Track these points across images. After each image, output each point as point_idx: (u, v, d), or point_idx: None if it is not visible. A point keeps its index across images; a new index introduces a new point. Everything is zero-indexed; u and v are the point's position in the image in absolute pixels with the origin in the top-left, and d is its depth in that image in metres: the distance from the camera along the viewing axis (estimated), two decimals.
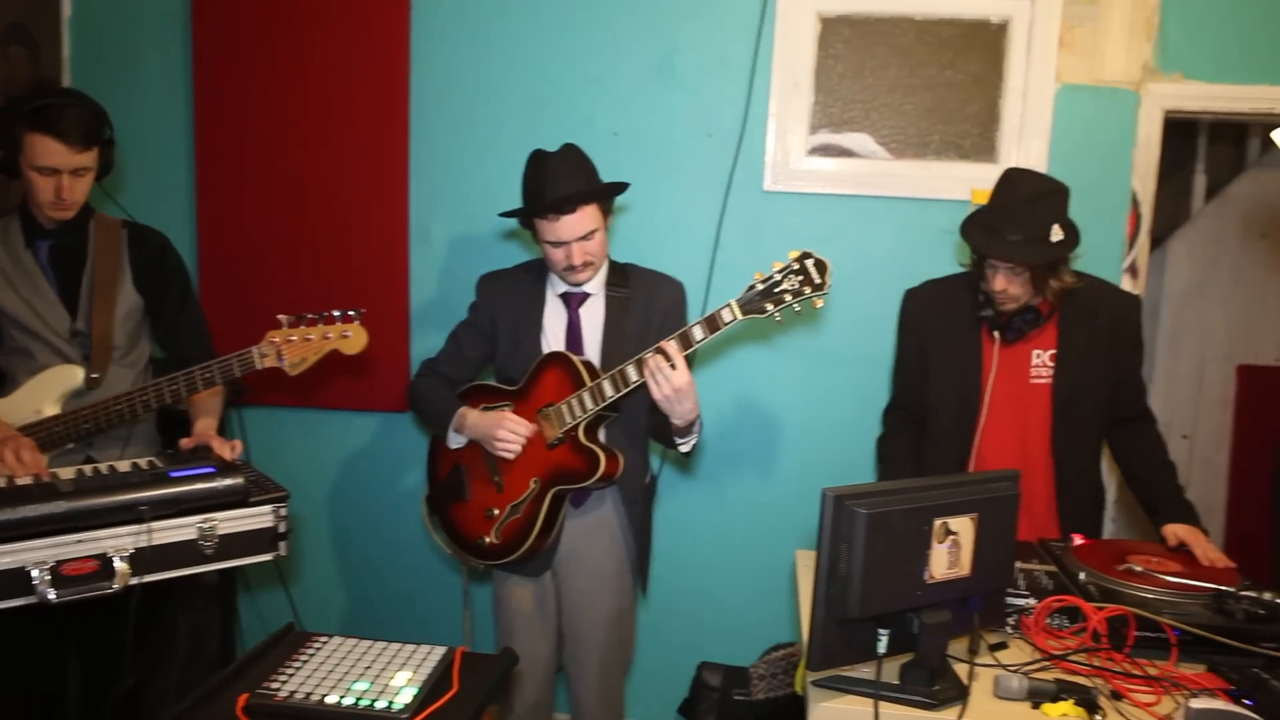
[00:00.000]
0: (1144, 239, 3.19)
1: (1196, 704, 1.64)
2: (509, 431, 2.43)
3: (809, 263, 2.21)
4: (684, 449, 2.50)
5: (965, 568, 1.81)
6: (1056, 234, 2.40)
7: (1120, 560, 2.26)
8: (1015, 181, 2.46)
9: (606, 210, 2.47)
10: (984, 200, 3.06)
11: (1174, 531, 2.40)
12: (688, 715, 3.39)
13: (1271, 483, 3.85)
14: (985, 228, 2.46)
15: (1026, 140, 3.11)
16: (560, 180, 2.36)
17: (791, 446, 3.33)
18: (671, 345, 2.28)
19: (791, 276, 2.21)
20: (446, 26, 3.26)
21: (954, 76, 3.17)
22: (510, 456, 2.45)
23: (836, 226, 3.20)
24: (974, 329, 2.59)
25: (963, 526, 1.78)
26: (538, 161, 2.42)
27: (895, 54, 3.17)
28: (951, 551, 1.78)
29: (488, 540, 2.52)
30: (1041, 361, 2.55)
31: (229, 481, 2.04)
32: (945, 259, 3.18)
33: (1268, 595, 2.05)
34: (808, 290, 2.21)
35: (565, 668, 2.68)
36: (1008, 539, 1.89)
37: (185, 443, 2.31)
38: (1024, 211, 2.38)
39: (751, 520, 3.35)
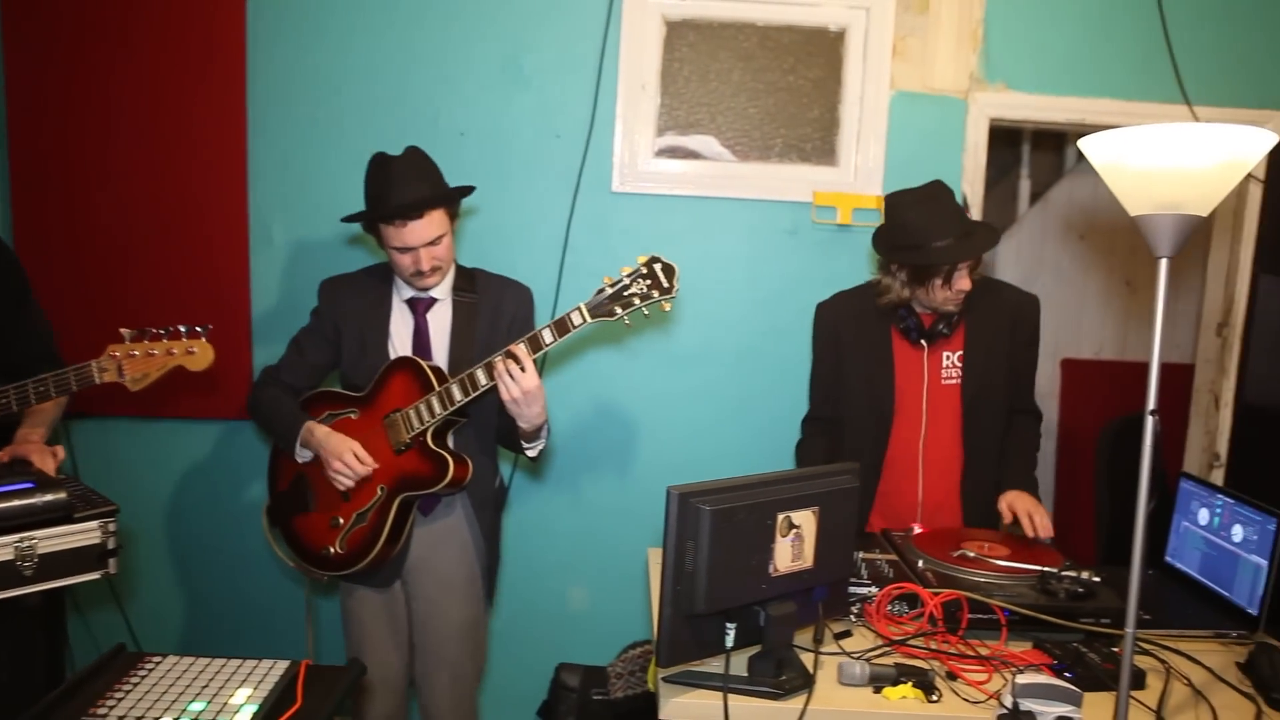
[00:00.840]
0: None
1: (1022, 679, 1.73)
2: (346, 467, 2.36)
3: (657, 267, 2.23)
4: (531, 454, 2.49)
5: (809, 560, 1.86)
6: (974, 211, 2.54)
7: (956, 547, 2.36)
8: (921, 196, 2.54)
9: (453, 214, 2.44)
10: (827, 201, 3.20)
11: (1006, 499, 2.52)
12: (546, 717, 3.38)
13: (1095, 468, 4.09)
14: (918, 247, 2.50)
15: (865, 144, 3.23)
16: (406, 185, 2.32)
17: (645, 447, 3.35)
18: (521, 349, 2.26)
19: (640, 280, 2.23)
20: (285, 21, 3.15)
21: (796, 81, 3.26)
22: (341, 488, 2.40)
23: (684, 227, 3.24)
24: (885, 336, 2.67)
25: (805, 520, 1.83)
26: (381, 166, 2.36)
27: (739, 59, 3.24)
28: (795, 544, 1.83)
29: (333, 550, 2.44)
30: (951, 363, 2.66)
31: (49, 497, 1.92)
32: (790, 259, 3.26)
33: (1086, 574, 2.18)
34: (656, 294, 2.23)
35: (416, 679, 2.62)
36: (848, 530, 1.94)
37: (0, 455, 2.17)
38: (954, 214, 2.51)
39: (607, 521, 3.37)
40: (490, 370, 2.27)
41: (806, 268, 3.25)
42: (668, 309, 2.25)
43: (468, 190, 2.46)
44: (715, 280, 3.27)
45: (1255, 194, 3.14)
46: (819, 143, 3.28)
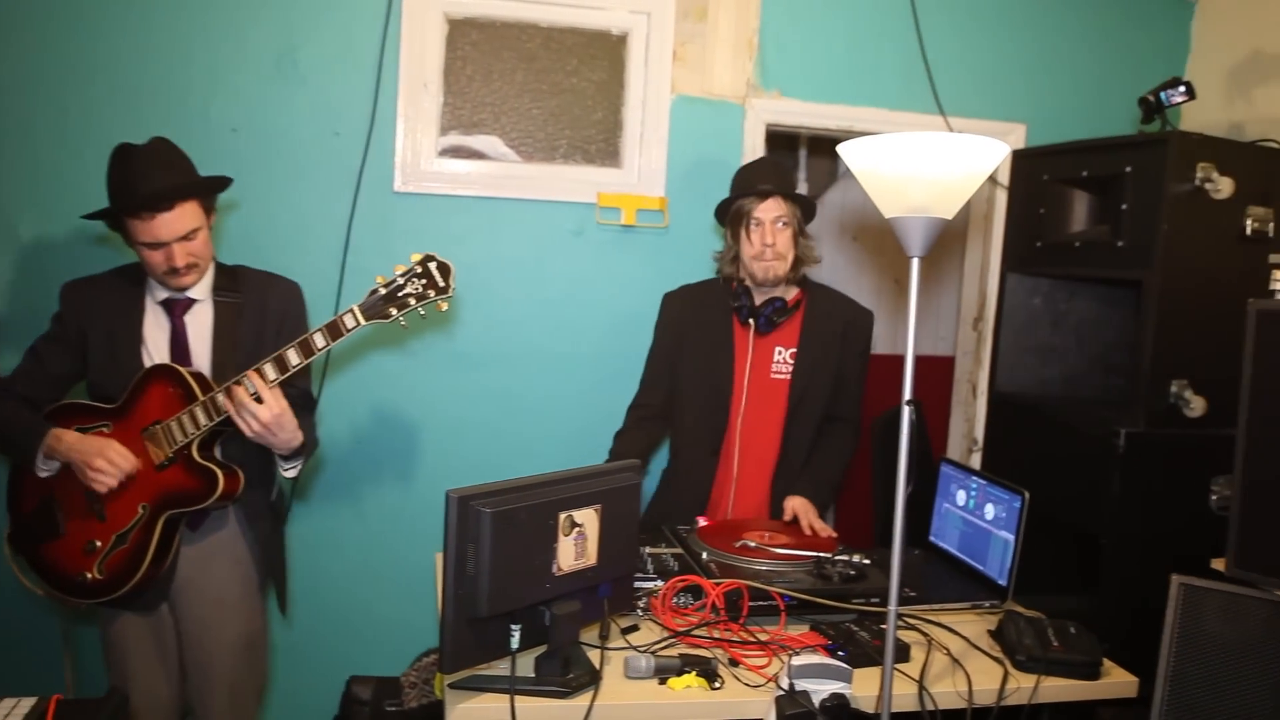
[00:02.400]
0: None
1: (796, 661, 1.80)
2: (108, 463, 2.18)
3: (432, 266, 2.19)
4: (290, 474, 2.38)
5: (592, 557, 1.88)
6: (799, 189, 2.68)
7: (738, 538, 2.44)
8: (767, 159, 2.87)
9: (209, 208, 2.31)
10: (612, 202, 3.24)
11: (789, 503, 2.65)
12: None
13: (871, 454, 4.31)
14: (746, 186, 2.70)
15: (647, 147, 3.29)
16: (151, 175, 2.17)
17: (431, 451, 3.29)
18: (256, 378, 2.16)
19: (414, 280, 2.18)
20: (34, 2, 2.91)
21: (579, 83, 3.28)
22: (102, 490, 2.22)
23: (469, 228, 3.21)
24: (727, 325, 2.76)
25: (587, 518, 1.85)
26: (124, 157, 2.21)
27: (522, 59, 3.23)
28: (578, 543, 1.84)
29: (90, 576, 2.26)
30: (783, 359, 2.75)
31: None
32: (575, 260, 3.28)
33: (858, 558, 2.30)
34: (431, 293, 2.19)
35: (191, 702, 2.47)
36: (630, 527, 1.97)
37: None
38: (774, 170, 2.75)
39: (394, 528, 3.28)
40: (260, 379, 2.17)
41: (592, 268, 3.28)
42: (445, 309, 2.22)
43: (223, 181, 2.33)
44: (501, 281, 3.25)
45: (1002, 199, 3.40)
46: (603, 144, 3.31)
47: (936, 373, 4.23)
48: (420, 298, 2.19)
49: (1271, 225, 2.65)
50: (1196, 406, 2.61)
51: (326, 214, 3.12)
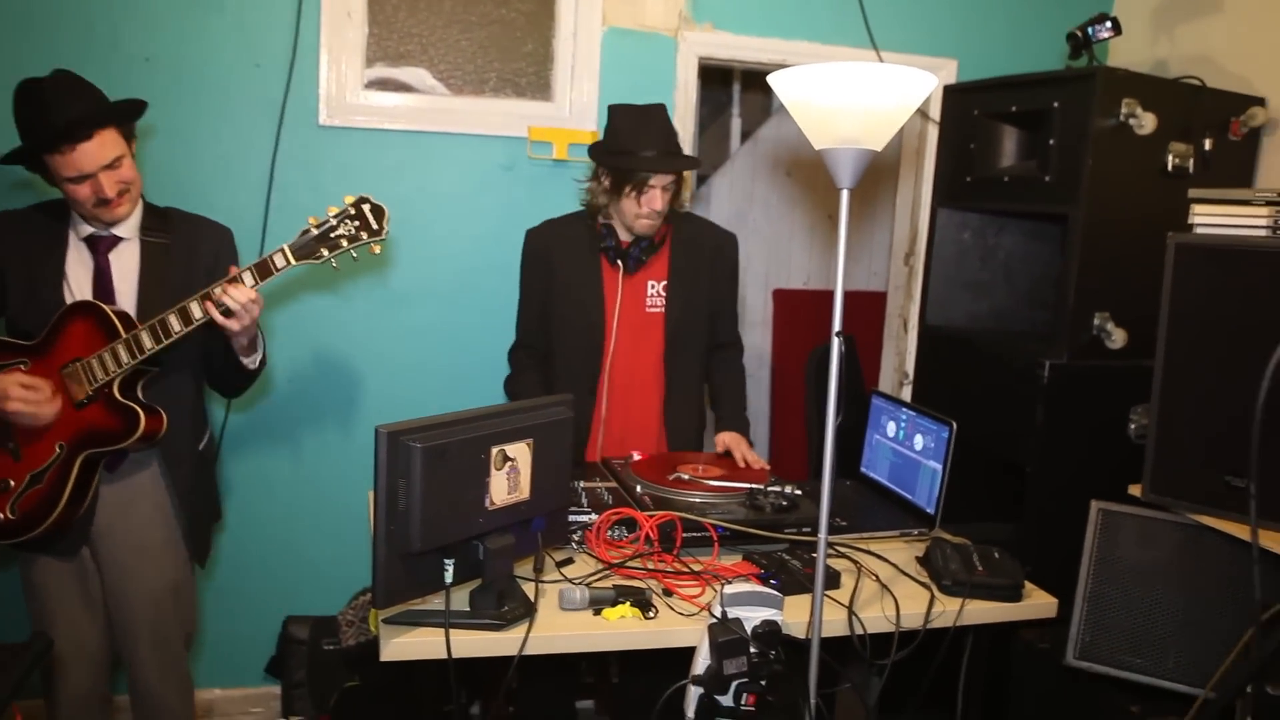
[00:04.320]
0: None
1: (729, 590, 1.83)
2: (23, 397, 2.12)
3: (366, 208, 2.14)
4: (252, 366, 2.33)
5: (525, 491, 1.88)
6: (682, 145, 2.68)
7: (672, 470, 2.46)
8: (636, 109, 2.65)
9: (128, 135, 2.22)
10: (543, 137, 3.19)
11: (721, 439, 2.67)
12: (276, 673, 3.26)
13: (805, 390, 4.37)
14: (628, 152, 2.58)
15: (579, 80, 3.23)
16: (62, 106, 2.08)
17: (364, 391, 3.25)
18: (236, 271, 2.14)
19: (347, 222, 2.14)
20: None
21: (509, 14, 3.21)
22: (33, 422, 2.16)
23: (398, 163, 3.14)
24: (595, 263, 2.71)
25: (519, 452, 1.85)
26: (30, 92, 2.11)
27: None
28: (511, 477, 1.84)
29: (2, 516, 2.20)
30: (656, 291, 2.74)
31: None
32: (507, 195, 3.24)
33: (789, 488, 2.34)
34: (365, 236, 2.15)
35: (118, 649, 2.43)
36: (563, 460, 1.98)
37: None
38: (659, 130, 2.60)
39: (329, 468, 3.25)
40: (184, 315, 2.11)
41: (524, 203, 3.23)
42: (378, 251, 2.18)
43: (138, 105, 2.24)
44: (432, 217, 3.20)
45: (933, 134, 3.42)
46: (534, 77, 3.26)
47: (870, 307, 4.28)
48: (353, 240, 2.15)
49: (1192, 161, 2.71)
50: (1118, 338, 2.68)
51: (249, 149, 3.03)
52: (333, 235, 2.14)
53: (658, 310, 2.74)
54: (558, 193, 3.25)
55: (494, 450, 1.79)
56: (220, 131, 3.01)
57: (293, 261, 2.14)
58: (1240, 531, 2.13)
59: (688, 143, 3.35)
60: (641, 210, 2.59)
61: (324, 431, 3.25)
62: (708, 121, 5.01)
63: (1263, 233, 2.15)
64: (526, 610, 1.87)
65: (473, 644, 1.82)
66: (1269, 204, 2.15)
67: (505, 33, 3.21)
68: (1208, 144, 2.75)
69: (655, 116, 2.63)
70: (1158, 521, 2.31)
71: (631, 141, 2.58)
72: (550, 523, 2.01)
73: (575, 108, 3.25)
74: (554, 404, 1.98)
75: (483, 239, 3.25)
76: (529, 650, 1.83)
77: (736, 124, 4.98)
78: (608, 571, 2.07)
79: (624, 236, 2.69)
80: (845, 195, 1.76)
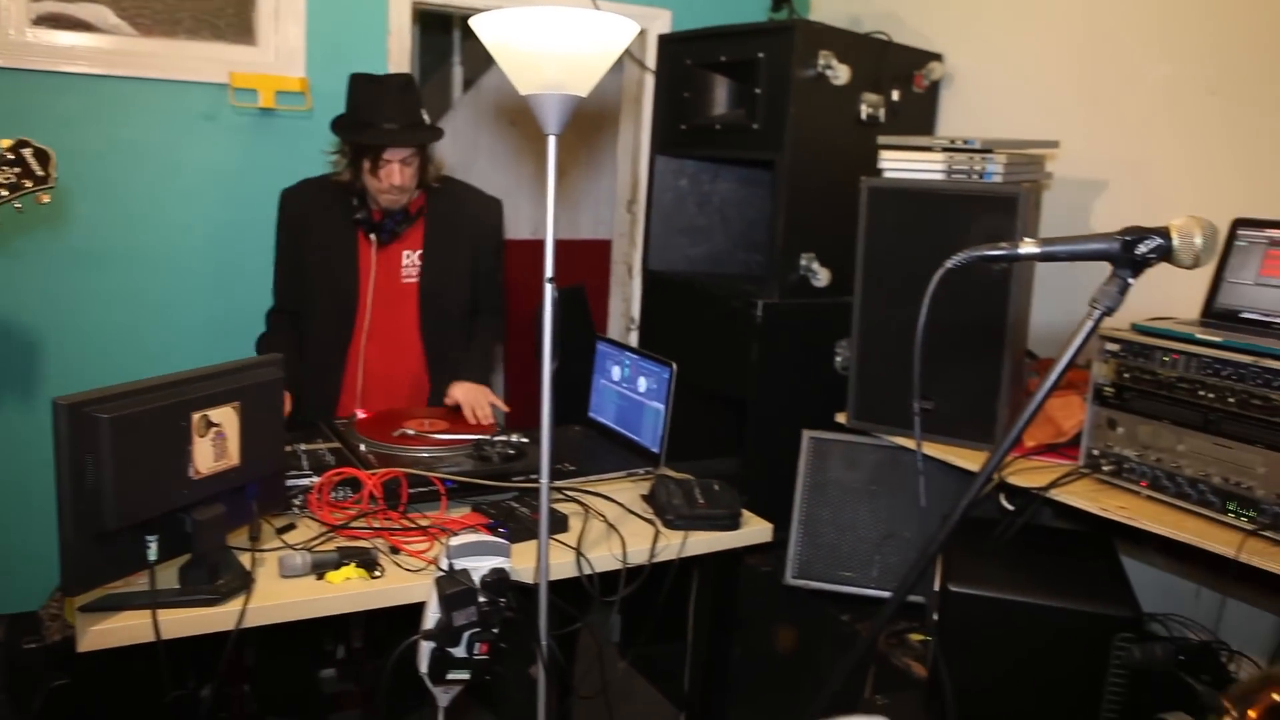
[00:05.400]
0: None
1: (454, 542, 1.82)
2: None
3: (26, 152, 1.94)
4: None
5: (234, 458, 1.78)
6: (426, 117, 2.58)
7: (397, 427, 2.41)
8: (375, 79, 2.57)
9: None
10: (246, 83, 2.99)
11: (452, 391, 2.65)
12: None
13: (534, 338, 4.39)
14: (365, 125, 2.51)
15: (283, 22, 3.05)
16: None
17: (51, 362, 2.95)
18: None
19: (5, 169, 1.93)
20: None
21: None
22: None
23: (79, 110, 2.85)
24: (350, 232, 2.63)
25: (225, 417, 1.75)
26: None
27: None
28: (217, 443, 1.74)
29: None
30: (411, 261, 2.69)
31: None
32: (209, 146, 3.02)
33: (516, 437, 2.35)
34: (28, 184, 1.95)
35: None
36: (275, 424, 1.89)
37: None
38: (398, 102, 2.51)
39: (14, 451, 2.94)
40: None
41: (229, 155, 3.03)
42: (47, 200, 1.98)
43: None
44: (122, 170, 2.93)
45: (651, 84, 3.48)
46: (234, 19, 3.03)
47: (599, 255, 4.34)
48: (14, 188, 1.94)
49: (883, 110, 2.90)
50: (823, 277, 2.85)
51: None
52: None
53: (412, 280, 2.71)
54: (266, 144, 3.07)
55: (195, 416, 1.68)
56: None
57: None
58: (932, 451, 2.34)
59: None
60: (382, 185, 2.52)
61: (4, 411, 2.94)
62: (430, 70, 4.88)
63: (939, 176, 2.34)
64: (243, 581, 1.78)
65: (185, 623, 1.71)
66: (945, 150, 2.35)
67: None
68: (895, 95, 2.96)
69: (394, 87, 2.55)
70: (861, 446, 2.50)
71: (369, 113, 2.52)
72: (265, 488, 1.92)
73: (281, 53, 3.06)
74: (261, 365, 1.88)
75: (183, 194, 3.01)
76: (250, 622, 1.75)
77: (458, 73, 4.88)
78: (331, 534, 2.00)
79: (377, 208, 2.62)
80: (552, 141, 1.77)
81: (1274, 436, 1.76)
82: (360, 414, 2.51)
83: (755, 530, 2.30)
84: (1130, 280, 1.23)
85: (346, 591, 1.84)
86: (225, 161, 3.03)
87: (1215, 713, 1.29)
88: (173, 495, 1.67)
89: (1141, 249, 1.21)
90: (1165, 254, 1.22)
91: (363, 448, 2.28)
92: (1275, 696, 1.29)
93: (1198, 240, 1.21)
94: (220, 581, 1.76)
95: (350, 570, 1.87)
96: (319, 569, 1.87)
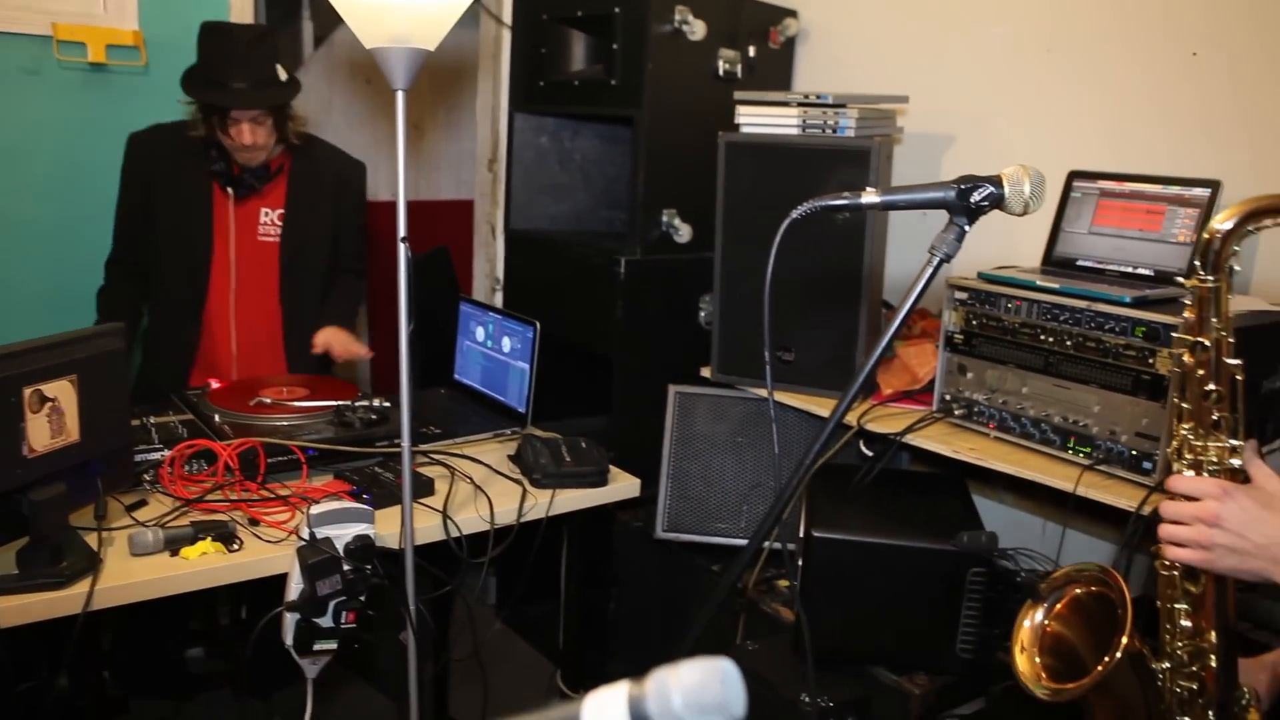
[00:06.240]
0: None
1: (315, 510, 1.78)
2: None
3: None
4: None
5: (73, 433, 1.70)
6: (282, 74, 2.47)
7: (254, 396, 2.33)
8: (225, 31, 2.46)
9: None
10: (72, 36, 2.82)
11: (317, 338, 2.58)
12: None
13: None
14: (213, 82, 2.38)
15: None
16: None
17: None
18: None
19: None
20: None
21: None
22: None
23: None
24: (206, 185, 2.52)
25: (61, 391, 1.66)
26: None
27: None
28: (53, 419, 1.65)
29: None
30: (270, 220, 2.60)
31: None
32: (34, 104, 2.83)
33: (378, 402, 2.30)
34: None
35: None
36: (118, 396, 1.81)
37: None
38: (246, 58, 2.37)
39: None
40: None
41: (57, 113, 2.85)
42: None
43: None
44: None
45: (508, 39, 3.42)
46: None
47: (462, 216, 4.26)
48: None
49: (739, 66, 2.92)
50: (684, 233, 2.87)
51: None
52: None
53: (271, 239, 2.62)
54: (97, 102, 2.91)
55: (27, 391, 1.59)
56: None
57: None
58: (795, 401, 2.39)
59: None
60: (231, 141, 2.43)
61: None
62: (279, 26, 4.67)
63: (794, 131, 2.38)
64: (89, 562, 1.70)
65: (27, 609, 1.62)
66: (799, 105, 2.38)
67: None
68: (752, 51, 2.98)
69: (244, 40, 2.42)
70: (726, 399, 2.54)
71: (218, 69, 2.38)
72: (111, 465, 1.83)
73: (111, 3, 2.89)
74: (101, 335, 1.79)
75: (9, 155, 2.82)
76: (99, 604, 1.67)
77: (309, 28, 4.69)
78: (185, 508, 1.93)
79: (235, 162, 2.52)
80: (401, 97, 1.73)
81: (1107, 376, 1.87)
82: (214, 384, 2.42)
83: (623, 486, 2.32)
84: (966, 227, 1.28)
85: (203, 567, 1.78)
86: (54, 120, 2.85)
87: (1034, 597, 1.45)
88: (5, 475, 1.58)
89: (975, 197, 1.26)
90: (998, 201, 1.26)
91: (217, 418, 2.20)
92: (1077, 591, 1.46)
93: (1026, 188, 1.26)
94: (64, 564, 1.68)
95: (206, 545, 1.81)
96: (173, 545, 1.80)
